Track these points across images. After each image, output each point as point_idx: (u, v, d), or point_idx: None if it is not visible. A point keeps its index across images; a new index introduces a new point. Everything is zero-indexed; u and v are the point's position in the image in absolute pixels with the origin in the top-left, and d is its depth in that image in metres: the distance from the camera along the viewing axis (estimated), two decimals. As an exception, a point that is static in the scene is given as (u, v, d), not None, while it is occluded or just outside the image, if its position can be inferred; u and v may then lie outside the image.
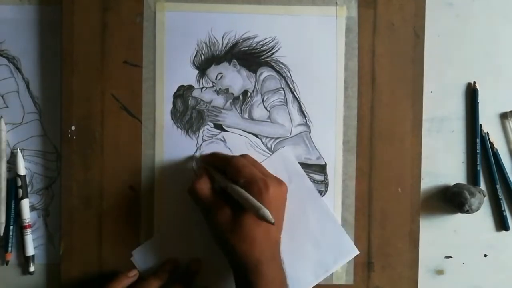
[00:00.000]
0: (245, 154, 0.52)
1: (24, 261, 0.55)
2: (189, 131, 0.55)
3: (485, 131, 0.57)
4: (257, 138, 0.55)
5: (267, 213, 0.43)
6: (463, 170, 0.57)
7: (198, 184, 0.49)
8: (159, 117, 0.54)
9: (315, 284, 0.54)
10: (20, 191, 0.54)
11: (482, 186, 0.57)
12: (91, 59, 0.54)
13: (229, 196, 0.48)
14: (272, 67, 0.55)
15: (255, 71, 0.55)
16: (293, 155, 0.55)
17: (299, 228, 0.54)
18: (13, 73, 0.56)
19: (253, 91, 0.55)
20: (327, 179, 0.55)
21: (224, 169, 0.50)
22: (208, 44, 0.55)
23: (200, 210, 0.50)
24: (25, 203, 0.55)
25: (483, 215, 0.57)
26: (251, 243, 0.46)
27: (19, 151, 0.55)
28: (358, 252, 0.54)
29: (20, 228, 0.55)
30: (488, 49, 0.57)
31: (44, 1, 0.55)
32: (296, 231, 0.53)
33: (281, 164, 0.54)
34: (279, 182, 0.49)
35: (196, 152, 0.55)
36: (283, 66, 0.55)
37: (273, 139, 0.55)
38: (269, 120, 0.55)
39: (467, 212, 0.54)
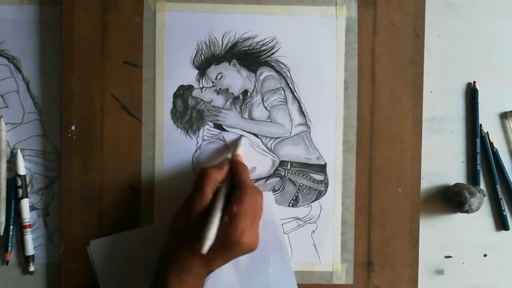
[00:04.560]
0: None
1: (24, 261, 0.55)
2: (189, 131, 0.55)
3: (485, 131, 0.57)
4: (257, 138, 0.55)
5: (207, 244, 0.43)
6: (463, 170, 0.57)
7: (213, 172, 0.48)
8: (159, 117, 0.54)
9: None
10: (20, 191, 0.55)
11: (482, 186, 0.57)
12: (91, 59, 0.54)
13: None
14: (272, 67, 0.55)
15: (255, 71, 0.55)
16: (273, 202, 0.54)
17: (255, 273, 0.52)
18: (13, 73, 0.56)
19: (253, 91, 0.55)
20: (327, 179, 0.55)
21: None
22: (208, 44, 0.55)
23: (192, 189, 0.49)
24: (25, 203, 0.55)
25: (483, 215, 0.57)
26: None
27: (19, 151, 0.55)
28: None
29: (20, 228, 0.55)
30: (488, 49, 0.57)
31: (44, 1, 0.55)
32: (252, 275, 0.52)
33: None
34: (257, 190, 0.48)
35: (196, 151, 0.55)
36: (283, 66, 0.55)
37: (273, 139, 0.55)
38: (269, 120, 0.55)
39: (467, 212, 0.54)
